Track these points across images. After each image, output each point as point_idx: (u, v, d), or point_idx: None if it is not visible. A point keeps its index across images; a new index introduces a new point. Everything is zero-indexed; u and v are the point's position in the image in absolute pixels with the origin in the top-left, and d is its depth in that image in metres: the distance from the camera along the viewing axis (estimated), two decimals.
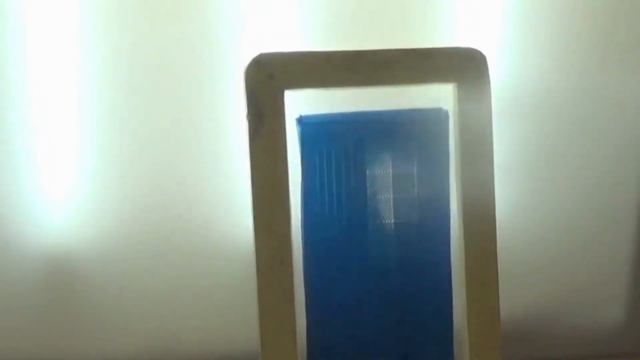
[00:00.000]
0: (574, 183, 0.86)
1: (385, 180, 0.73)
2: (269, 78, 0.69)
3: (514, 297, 0.82)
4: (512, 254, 0.83)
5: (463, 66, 0.72)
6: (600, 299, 0.87)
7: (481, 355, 0.73)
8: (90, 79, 0.78)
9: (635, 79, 0.85)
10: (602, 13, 0.84)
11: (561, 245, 0.86)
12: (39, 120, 0.78)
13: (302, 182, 0.72)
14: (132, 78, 0.78)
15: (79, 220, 0.79)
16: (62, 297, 0.79)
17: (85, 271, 0.79)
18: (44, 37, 0.77)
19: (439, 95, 0.73)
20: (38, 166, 0.79)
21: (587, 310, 0.87)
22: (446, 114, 0.73)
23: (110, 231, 0.79)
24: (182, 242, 0.80)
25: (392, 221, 0.73)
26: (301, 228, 0.72)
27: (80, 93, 0.78)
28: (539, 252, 0.86)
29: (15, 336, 0.78)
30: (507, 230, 0.82)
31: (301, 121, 0.72)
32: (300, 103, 0.71)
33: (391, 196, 0.73)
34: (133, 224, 0.79)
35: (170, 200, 0.79)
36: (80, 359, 0.79)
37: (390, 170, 0.73)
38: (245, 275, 0.73)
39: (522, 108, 0.84)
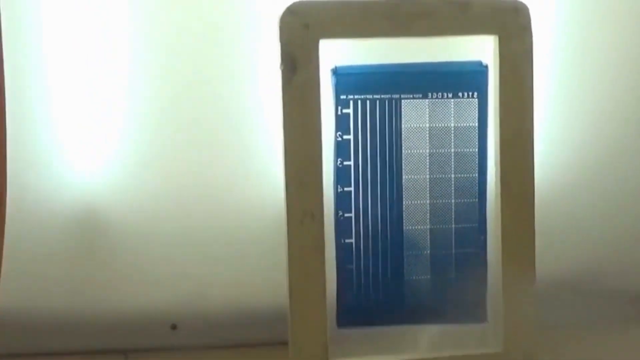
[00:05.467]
0: (616, 143, 0.83)
1: (422, 135, 0.71)
2: (303, 27, 0.68)
3: (551, 255, 0.81)
4: (551, 216, 0.81)
5: (504, 17, 0.70)
6: (636, 264, 0.86)
7: (516, 314, 0.72)
8: (121, 38, 0.77)
9: None
10: None
11: (599, 205, 0.84)
12: (84, 79, 0.77)
13: (335, 134, 0.70)
14: (164, 42, 0.77)
15: (107, 172, 0.78)
16: (91, 248, 0.79)
17: (112, 222, 0.79)
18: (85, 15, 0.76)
19: (478, 50, 0.71)
20: (71, 124, 0.78)
21: (623, 270, 0.85)
22: (486, 67, 0.71)
23: (138, 183, 0.78)
24: (211, 194, 0.79)
25: (427, 176, 0.71)
26: (333, 182, 0.71)
27: (111, 53, 0.77)
28: (577, 215, 0.83)
29: (45, 286, 0.78)
30: (547, 186, 0.80)
31: (336, 72, 0.70)
32: (336, 53, 0.70)
33: (427, 151, 0.71)
34: (161, 175, 0.78)
35: (200, 155, 0.78)
36: (108, 310, 0.79)
37: (427, 124, 0.71)
38: (275, 229, 0.72)
39: (567, 67, 0.82)
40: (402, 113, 0.71)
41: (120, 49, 0.77)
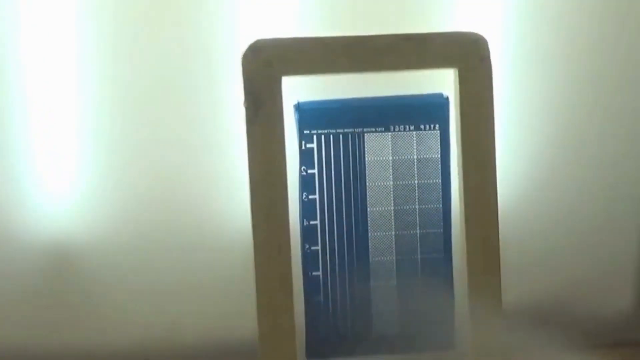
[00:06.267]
0: (579, 171, 0.84)
1: (385, 167, 0.72)
2: (266, 64, 0.69)
3: (518, 288, 0.81)
4: (515, 244, 0.82)
5: (463, 50, 0.71)
6: (605, 289, 0.86)
7: (484, 344, 0.72)
8: (86, 70, 0.77)
9: None
10: None
11: (565, 234, 0.85)
12: (38, 111, 0.78)
13: (300, 169, 0.71)
14: (129, 67, 0.77)
15: (78, 211, 0.79)
16: (61, 288, 0.79)
17: (84, 261, 0.79)
18: (41, 29, 0.76)
19: (439, 82, 0.72)
20: (37, 157, 0.78)
21: (592, 300, 0.86)
22: (447, 99, 0.72)
23: (109, 222, 0.79)
24: (180, 232, 0.79)
25: (392, 208, 0.72)
26: (299, 215, 0.71)
27: (77, 84, 0.78)
28: (542, 242, 0.84)
29: (15, 326, 0.79)
30: (510, 219, 0.81)
31: (299, 107, 0.71)
32: (298, 89, 0.71)
33: (391, 183, 0.72)
34: (132, 214, 0.79)
35: (168, 190, 0.79)
36: (79, 349, 0.79)
37: (390, 157, 0.72)
38: (244, 264, 0.73)
39: (524, 93, 0.83)
40: (366, 146, 0.72)
41: (71, 99, 0.77)
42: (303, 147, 0.71)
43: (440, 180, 0.72)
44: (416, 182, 0.72)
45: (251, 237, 0.69)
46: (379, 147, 0.72)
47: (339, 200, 0.72)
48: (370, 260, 0.72)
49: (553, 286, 0.85)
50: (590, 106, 0.84)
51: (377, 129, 0.72)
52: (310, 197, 0.72)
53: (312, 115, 0.71)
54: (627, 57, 0.84)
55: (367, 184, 0.72)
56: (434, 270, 0.73)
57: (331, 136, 0.71)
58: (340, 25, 0.77)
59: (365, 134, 0.72)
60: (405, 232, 0.73)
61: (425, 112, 0.72)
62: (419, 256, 0.73)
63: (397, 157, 0.72)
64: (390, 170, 0.72)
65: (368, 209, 0.72)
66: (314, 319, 0.72)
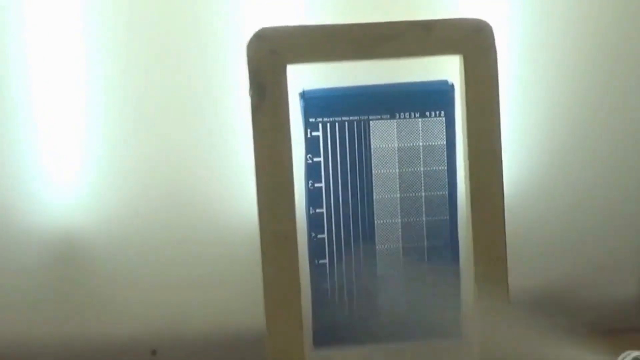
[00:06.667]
0: (587, 159, 0.84)
1: (391, 155, 0.72)
2: (271, 53, 0.69)
3: (524, 275, 0.81)
4: (522, 231, 0.82)
5: (469, 38, 0.71)
6: (611, 277, 0.86)
7: (491, 331, 0.72)
8: (92, 64, 0.77)
9: None
10: None
11: (572, 223, 0.85)
12: (43, 105, 0.78)
13: (305, 157, 0.71)
14: (135, 61, 0.77)
15: (83, 205, 0.79)
16: (67, 278, 0.79)
17: (90, 252, 0.79)
18: (46, 24, 0.77)
19: (444, 69, 0.72)
20: (42, 151, 0.78)
21: (598, 288, 0.86)
22: (452, 86, 0.72)
23: (115, 212, 0.79)
24: (186, 225, 0.79)
25: (398, 195, 0.72)
26: (305, 203, 0.71)
27: (84, 78, 0.78)
28: (548, 230, 0.84)
29: (21, 317, 0.79)
30: (516, 206, 0.81)
31: (304, 95, 0.71)
32: (304, 77, 0.71)
33: (397, 170, 0.72)
34: (137, 208, 0.79)
35: (173, 183, 0.79)
36: (85, 342, 0.79)
37: (396, 144, 0.72)
38: (251, 256, 0.73)
39: (530, 80, 0.83)
40: (371, 134, 0.72)
41: (78, 89, 0.77)
42: (308, 135, 0.71)
43: (446, 168, 0.72)
44: (422, 169, 0.72)
45: (257, 229, 0.69)
46: (384, 134, 0.72)
47: (344, 188, 0.72)
48: (377, 248, 0.72)
49: (559, 274, 0.85)
50: (596, 92, 0.84)
51: (382, 116, 0.72)
52: (316, 185, 0.71)
53: (317, 103, 0.71)
54: (635, 51, 0.83)
55: (373, 171, 0.72)
56: (440, 257, 0.73)
57: (336, 124, 0.71)
58: (345, 13, 0.77)
59: (371, 122, 0.71)
60: (412, 219, 0.72)
61: (430, 99, 0.72)
62: (425, 244, 0.73)
63: (402, 144, 0.72)
64: (396, 158, 0.72)
65: (374, 197, 0.72)
66: (321, 307, 0.72)
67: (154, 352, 0.80)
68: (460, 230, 0.73)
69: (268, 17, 0.76)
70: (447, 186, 0.73)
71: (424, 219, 0.73)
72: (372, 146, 0.72)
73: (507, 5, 0.81)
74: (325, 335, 0.72)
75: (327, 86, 0.72)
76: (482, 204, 0.72)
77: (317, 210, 0.72)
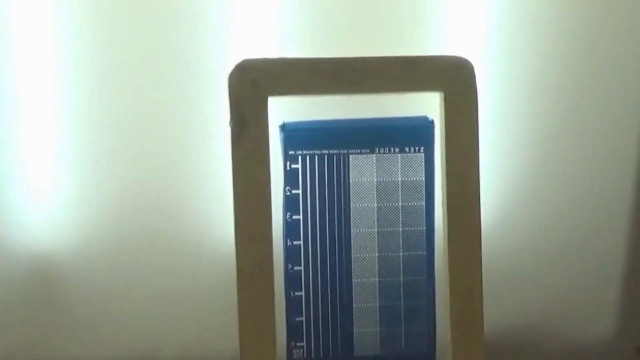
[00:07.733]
0: (563, 189, 0.85)
1: (369, 189, 0.72)
2: (252, 84, 0.69)
3: (500, 308, 0.82)
4: (499, 263, 0.82)
5: (450, 75, 0.71)
6: (588, 310, 0.86)
7: None
8: (72, 82, 0.77)
9: (624, 77, 0.84)
10: (588, 17, 0.83)
11: (549, 254, 0.85)
12: (18, 119, 0.78)
13: (284, 189, 0.71)
14: (116, 82, 0.78)
15: (60, 221, 0.79)
16: (42, 298, 0.79)
17: (65, 272, 0.79)
18: (22, 36, 0.76)
19: (425, 104, 0.73)
20: (18, 166, 0.78)
21: (576, 321, 0.86)
22: (432, 122, 0.72)
23: (92, 233, 0.79)
24: (163, 246, 0.79)
25: (375, 230, 0.73)
26: (283, 235, 0.72)
27: (60, 93, 0.78)
28: (525, 261, 0.85)
29: None
30: (494, 239, 0.82)
31: (284, 128, 0.71)
32: (284, 110, 0.71)
33: (375, 205, 0.72)
34: (114, 225, 0.79)
35: (152, 204, 0.79)
36: None
37: (375, 179, 0.72)
38: (226, 281, 0.73)
39: (509, 113, 0.83)
40: (350, 168, 0.72)
41: (52, 106, 0.77)
42: (288, 168, 0.71)
43: (424, 203, 0.73)
44: (400, 204, 0.73)
45: (234, 249, 0.69)
46: (363, 168, 0.72)
47: (322, 221, 0.72)
48: (353, 281, 0.73)
49: (535, 307, 0.85)
50: (573, 128, 0.84)
51: (362, 151, 0.72)
52: (294, 217, 0.72)
53: (297, 136, 0.71)
54: (610, 89, 0.84)
55: (351, 205, 0.72)
56: (417, 292, 0.73)
57: (316, 157, 0.72)
58: (327, 47, 0.77)
59: (350, 155, 0.72)
60: (389, 254, 0.73)
61: (410, 134, 0.72)
62: (401, 278, 0.73)
63: (381, 179, 0.72)
64: (375, 192, 0.72)
65: (352, 230, 0.72)
66: (295, 339, 0.72)
67: None
68: (437, 266, 0.73)
69: (250, 48, 0.77)
70: (425, 221, 0.73)
71: (401, 253, 0.73)
72: (351, 180, 0.72)
73: (486, 42, 0.82)
74: None
75: (308, 119, 0.72)
76: (459, 240, 0.71)
77: (295, 243, 0.72)
